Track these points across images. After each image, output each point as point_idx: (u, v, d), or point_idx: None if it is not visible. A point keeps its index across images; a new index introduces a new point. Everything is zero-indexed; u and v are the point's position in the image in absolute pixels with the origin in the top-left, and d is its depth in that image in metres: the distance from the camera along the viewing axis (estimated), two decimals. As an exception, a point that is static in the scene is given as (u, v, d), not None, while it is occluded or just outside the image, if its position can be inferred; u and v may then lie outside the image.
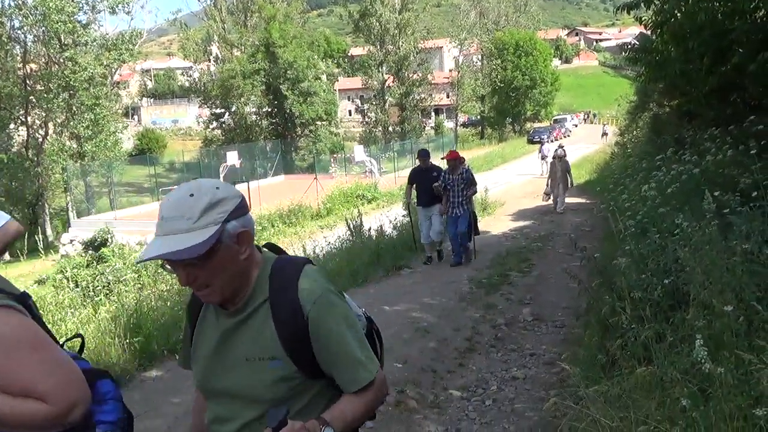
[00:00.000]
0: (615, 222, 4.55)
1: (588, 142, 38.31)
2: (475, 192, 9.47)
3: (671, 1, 7.23)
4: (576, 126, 57.64)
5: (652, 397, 2.58)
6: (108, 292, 7.06)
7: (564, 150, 22.88)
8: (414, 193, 9.84)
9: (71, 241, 24.32)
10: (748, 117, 6.89)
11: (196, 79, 47.60)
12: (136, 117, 69.01)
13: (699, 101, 8.65)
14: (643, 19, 7.93)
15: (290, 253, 6.69)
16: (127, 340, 5.16)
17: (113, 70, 35.27)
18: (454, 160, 9.11)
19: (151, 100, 76.06)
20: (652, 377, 2.71)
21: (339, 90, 58.51)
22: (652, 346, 2.98)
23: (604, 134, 38.04)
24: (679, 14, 7.30)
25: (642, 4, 7.57)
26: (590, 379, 3.30)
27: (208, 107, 45.27)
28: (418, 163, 9.94)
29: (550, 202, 15.68)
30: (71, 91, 30.12)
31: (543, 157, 24.94)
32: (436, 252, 9.85)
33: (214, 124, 45.33)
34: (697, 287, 3.00)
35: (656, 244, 4.19)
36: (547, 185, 15.72)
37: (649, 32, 8.28)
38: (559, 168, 15.18)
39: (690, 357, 2.47)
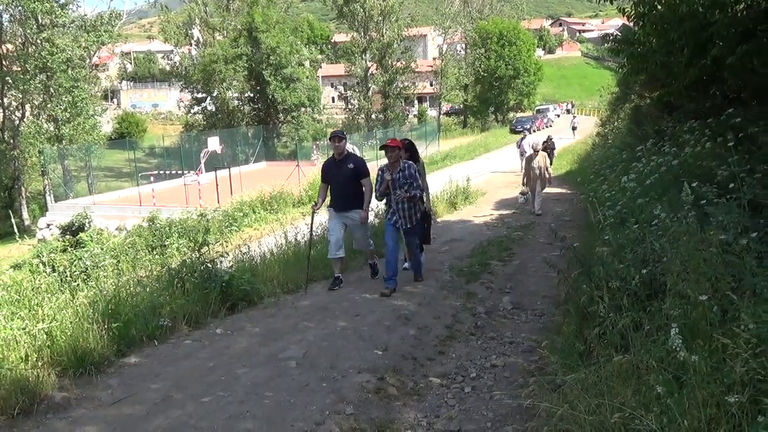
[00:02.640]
0: (594, 212, 4.60)
1: (570, 133, 38.55)
2: (417, 196, 6.95)
3: (653, -8, 7.27)
4: (558, 116, 57.95)
5: (628, 385, 2.62)
6: (86, 277, 6.99)
7: (553, 142, 22.67)
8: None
9: (48, 225, 24.00)
10: (727, 109, 6.99)
11: (177, 63, 46.98)
12: (115, 100, 68.08)
13: (679, 93, 8.73)
14: (625, 10, 7.97)
15: (272, 240, 6.61)
16: (106, 326, 5.10)
17: (92, 52, 34.76)
18: (393, 149, 6.88)
19: (131, 83, 75.01)
20: (629, 365, 2.76)
21: (322, 76, 58.17)
22: (629, 334, 3.02)
23: (574, 128, 35.07)
24: (660, 6, 7.35)
25: (624, -5, 7.62)
26: (568, 366, 3.34)
27: (189, 92, 44.75)
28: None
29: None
30: (49, 73, 29.62)
31: (522, 153, 20.95)
32: (369, 266, 7.71)
33: (196, 108, 44.84)
34: (673, 277, 3.04)
35: (634, 234, 4.24)
36: (523, 183, 13.56)
37: (631, 23, 8.33)
38: (536, 164, 13.13)
39: (666, 345, 2.52)
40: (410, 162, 6.97)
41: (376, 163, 32.44)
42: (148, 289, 6.15)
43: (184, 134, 42.00)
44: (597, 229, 5.47)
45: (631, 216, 4.84)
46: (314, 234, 8.04)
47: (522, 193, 13.67)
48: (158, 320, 5.52)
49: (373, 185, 7.10)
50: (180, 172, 29.91)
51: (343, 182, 6.99)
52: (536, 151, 13.27)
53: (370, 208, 7.43)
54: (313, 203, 7.29)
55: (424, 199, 7.58)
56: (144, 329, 5.38)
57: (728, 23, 6.24)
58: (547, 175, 13.35)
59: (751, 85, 7.44)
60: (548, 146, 21.93)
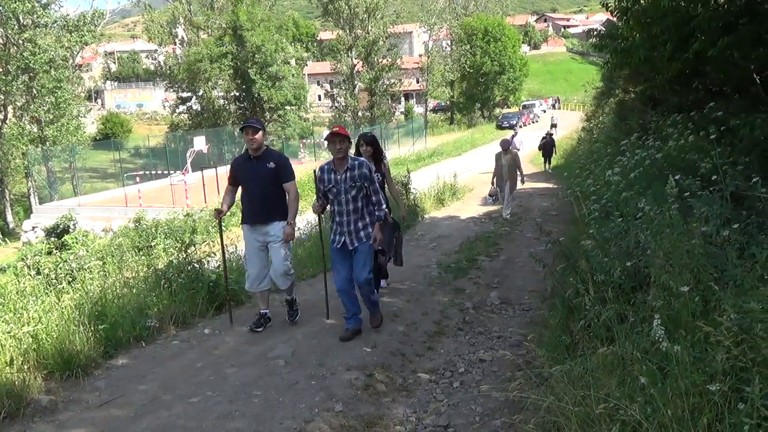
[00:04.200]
0: (578, 206, 4.63)
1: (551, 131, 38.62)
2: (380, 211, 5.24)
3: (636, -13, 7.32)
4: (545, 111, 58.20)
5: (612, 376, 2.65)
6: (71, 279, 6.93)
7: (553, 138, 22.52)
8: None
9: (33, 228, 23.78)
10: (710, 103, 7.07)
11: (162, 63, 46.63)
12: (99, 101, 67.44)
13: (663, 87, 8.81)
14: (608, 5, 8.02)
15: None
16: (92, 328, 5.08)
17: (75, 52, 34.40)
18: (342, 139, 5.06)
19: (115, 83, 74.36)
20: (614, 356, 2.79)
21: (308, 74, 58.01)
22: (614, 326, 3.05)
23: (553, 126, 32.16)
24: (643, 0, 7.41)
25: (608, -10, 7.67)
26: (554, 359, 3.37)
27: (174, 91, 44.43)
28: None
29: (497, 207, 12.77)
30: (31, 74, 29.29)
31: None
32: (287, 304, 5.81)
33: (181, 108, 44.55)
34: (657, 269, 3.07)
35: (619, 227, 4.28)
36: (493, 183, 12.68)
37: (615, 19, 8.38)
38: (506, 162, 12.20)
39: (650, 336, 2.54)
40: (362, 159, 5.29)
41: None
42: (134, 291, 6.12)
43: (170, 134, 41.71)
44: (583, 223, 5.52)
45: (615, 209, 4.89)
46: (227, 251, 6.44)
47: (490, 194, 12.72)
48: (145, 321, 5.50)
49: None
50: (166, 172, 29.75)
51: (260, 186, 5.37)
52: (505, 150, 12.27)
53: (296, 223, 5.81)
54: (216, 210, 5.67)
55: (399, 204, 6.88)
56: (131, 330, 5.35)
57: (710, 17, 6.31)
58: (519, 175, 12.31)
59: (732, 78, 7.52)
60: (547, 142, 22.00)
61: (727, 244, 3.10)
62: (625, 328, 3.00)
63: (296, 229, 5.70)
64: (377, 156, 6.45)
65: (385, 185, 6.55)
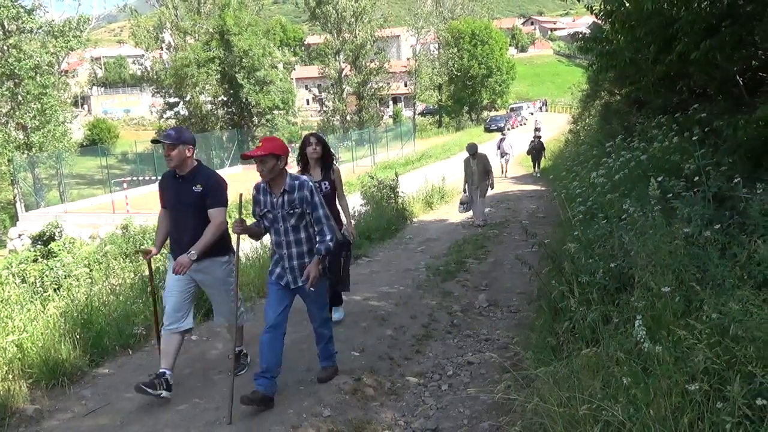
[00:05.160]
0: (563, 209, 4.66)
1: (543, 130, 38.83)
2: (323, 243, 4.17)
3: (620, -10, 7.37)
4: (532, 114, 58.47)
5: (596, 377, 2.67)
6: (57, 287, 6.88)
7: (542, 142, 22.44)
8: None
9: (20, 235, 23.56)
10: (694, 104, 7.13)
11: (149, 68, 46.37)
12: (86, 106, 67.03)
13: (647, 89, 8.87)
14: (593, 8, 8.08)
15: (247, 245, 6.39)
16: (78, 336, 5.05)
17: (61, 57, 34.14)
18: (261, 161, 4.03)
19: (102, 89, 73.89)
20: (597, 358, 2.81)
21: (296, 79, 57.94)
22: (598, 327, 3.07)
23: (537, 129, 28.89)
24: (627, 3, 7.47)
25: (592, -7, 7.73)
26: (541, 361, 3.39)
27: (161, 96, 44.19)
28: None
29: (469, 215, 12.09)
30: (16, 80, 29.04)
31: (503, 155, 21.67)
32: (233, 356, 4.48)
33: (168, 113, 44.29)
34: (640, 270, 3.10)
35: (603, 229, 4.31)
36: (465, 191, 11.95)
37: (600, 22, 8.44)
38: (476, 168, 11.62)
39: (633, 337, 2.56)
40: (303, 178, 4.18)
41: (353, 164, 32.65)
42: (121, 298, 6.09)
43: (158, 139, 41.46)
44: (569, 226, 5.55)
45: (600, 211, 4.92)
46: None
47: (461, 203, 11.95)
48: (132, 329, 5.47)
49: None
50: (154, 177, 29.55)
51: (188, 214, 4.33)
52: (473, 155, 11.67)
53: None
54: (142, 251, 4.88)
55: (343, 220, 5.66)
56: (117, 338, 5.33)
57: (692, 20, 6.36)
58: (488, 180, 11.81)
59: (715, 79, 7.59)
60: (536, 146, 22.05)
61: (709, 244, 3.14)
62: (609, 329, 3.02)
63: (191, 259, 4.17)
64: (327, 160, 5.51)
65: (335, 197, 5.58)
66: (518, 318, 6.08)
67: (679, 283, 2.88)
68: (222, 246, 4.40)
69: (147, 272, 5.10)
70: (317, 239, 4.19)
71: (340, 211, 5.63)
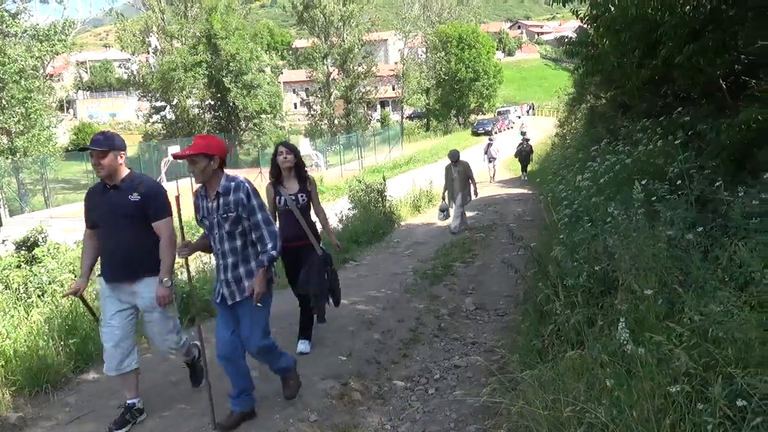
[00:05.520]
0: (549, 212, 4.69)
1: (529, 134, 38.97)
2: (265, 253, 3.77)
3: (605, -6, 7.44)
4: (519, 117, 58.76)
5: (581, 379, 2.68)
6: (41, 293, 6.80)
7: (530, 145, 22.35)
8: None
9: (3, 241, 23.23)
10: (678, 108, 7.21)
11: (135, 72, 46.13)
12: (71, 110, 66.53)
13: (632, 93, 8.94)
14: (579, 12, 8.14)
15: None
16: (62, 342, 5.00)
17: (46, 62, 33.86)
18: (192, 162, 3.71)
19: (88, 93, 73.36)
20: (582, 360, 2.82)
21: (283, 83, 57.86)
22: (583, 330, 3.09)
23: (524, 133, 27.58)
24: (612, 8, 7.53)
25: (576, -2, 7.78)
26: (526, 364, 3.40)
27: (147, 100, 43.97)
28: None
29: (448, 222, 11.79)
30: (0, 84, 28.77)
31: (490, 160, 21.49)
32: (187, 366, 4.59)
33: (155, 117, 44.10)
34: (624, 273, 3.12)
35: (588, 232, 4.33)
36: (444, 198, 11.79)
37: (586, 26, 8.50)
38: (457, 175, 11.44)
39: (616, 339, 2.58)
40: (240, 179, 3.79)
41: (341, 167, 32.65)
42: (106, 303, 6.02)
43: (144, 143, 41.21)
44: (555, 229, 5.58)
45: (585, 215, 4.95)
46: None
47: (441, 209, 11.81)
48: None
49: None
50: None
51: (121, 228, 3.87)
52: (455, 162, 11.47)
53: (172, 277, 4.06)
54: (70, 291, 4.12)
55: (327, 232, 5.50)
56: (102, 345, 5.27)
57: (676, 24, 6.43)
58: (472, 187, 11.57)
59: (699, 84, 7.66)
60: (523, 149, 22.11)
61: (692, 247, 3.17)
62: (594, 332, 3.04)
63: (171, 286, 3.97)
64: (301, 171, 5.20)
65: (311, 208, 5.29)
66: (505, 321, 6.10)
67: (661, 286, 2.90)
68: (155, 262, 3.92)
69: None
70: (259, 248, 3.79)
71: (317, 223, 5.36)
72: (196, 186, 3.88)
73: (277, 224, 4.69)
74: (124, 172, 3.95)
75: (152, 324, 4.04)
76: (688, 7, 6.88)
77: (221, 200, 3.73)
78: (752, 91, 6.68)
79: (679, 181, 4.15)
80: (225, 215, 3.72)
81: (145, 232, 3.90)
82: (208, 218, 3.81)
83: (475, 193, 11.76)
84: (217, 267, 3.88)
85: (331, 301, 5.20)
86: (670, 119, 7.19)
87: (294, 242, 4.98)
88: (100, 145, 3.83)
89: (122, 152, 3.95)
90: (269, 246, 3.75)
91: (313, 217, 5.32)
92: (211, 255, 4.05)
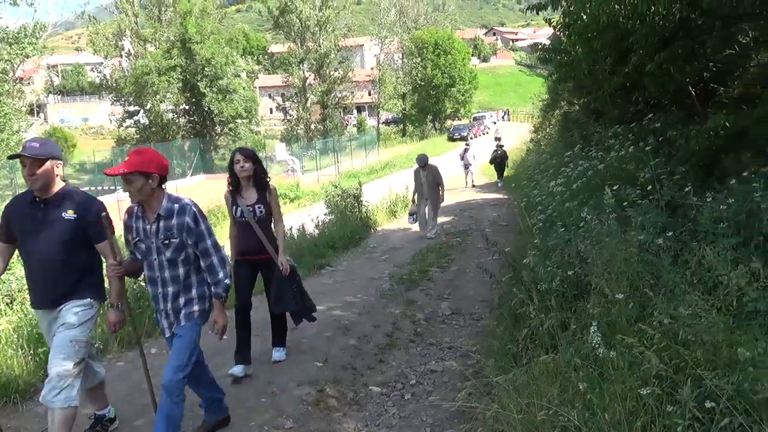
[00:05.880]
0: (523, 217, 4.73)
1: (504, 139, 39.26)
2: (218, 286, 3.49)
3: (577, 3, 7.54)
4: (495, 123, 59.20)
5: (554, 383, 2.71)
6: (10, 301, 6.67)
7: (505, 151, 22.45)
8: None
9: (-29, 247, 22.79)
10: (648, 115, 7.34)
11: (108, 76, 45.57)
12: (42, 115, 65.34)
13: (604, 100, 9.07)
14: (551, 20, 8.24)
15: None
16: (32, 352, 4.90)
17: (15, 65, 33.28)
18: (136, 176, 3.31)
19: (59, 96, 72.19)
20: (556, 364, 2.85)
21: (259, 87, 57.59)
22: (557, 334, 3.12)
23: (498, 139, 26.41)
24: (584, 16, 7.64)
25: (550, 6, 7.88)
26: (501, 368, 3.42)
27: (120, 105, 43.42)
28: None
29: (417, 227, 11.85)
30: (-32, 88, 28.19)
31: (466, 166, 21.32)
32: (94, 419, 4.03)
33: (128, 122, 43.52)
34: (596, 277, 3.16)
35: (561, 237, 4.39)
36: (413, 202, 11.84)
37: (559, 33, 8.61)
38: (425, 179, 11.37)
39: (589, 343, 2.61)
40: (185, 201, 3.45)
41: (317, 173, 32.55)
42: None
43: (117, 149, 40.62)
44: (529, 234, 5.63)
45: (559, 220, 5.01)
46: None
47: (410, 214, 11.84)
48: (88, 343, 5.31)
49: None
50: (113, 188, 28.98)
51: (50, 248, 3.43)
52: (423, 166, 11.37)
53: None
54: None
55: (279, 247, 4.88)
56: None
57: (646, 33, 6.55)
58: (440, 191, 11.56)
59: (669, 91, 7.81)
60: (498, 155, 22.24)
61: (662, 251, 3.22)
62: (567, 336, 3.07)
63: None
64: (259, 179, 4.83)
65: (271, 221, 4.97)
66: (480, 326, 6.13)
67: (633, 290, 2.95)
68: (89, 287, 3.53)
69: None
70: (209, 278, 3.48)
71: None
72: (131, 203, 3.47)
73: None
74: (59, 184, 3.52)
75: (53, 349, 3.43)
76: (658, 16, 7.01)
77: (162, 224, 3.37)
78: (720, 98, 6.83)
79: (649, 187, 4.22)
80: (167, 241, 3.37)
81: (78, 253, 3.49)
82: (145, 242, 3.43)
83: (442, 199, 11.76)
84: (155, 296, 3.53)
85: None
86: (641, 125, 7.32)
87: (253, 255, 4.75)
88: (37, 153, 3.38)
89: (59, 161, 3.51)
90: (221, 275, 3.47)
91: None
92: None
